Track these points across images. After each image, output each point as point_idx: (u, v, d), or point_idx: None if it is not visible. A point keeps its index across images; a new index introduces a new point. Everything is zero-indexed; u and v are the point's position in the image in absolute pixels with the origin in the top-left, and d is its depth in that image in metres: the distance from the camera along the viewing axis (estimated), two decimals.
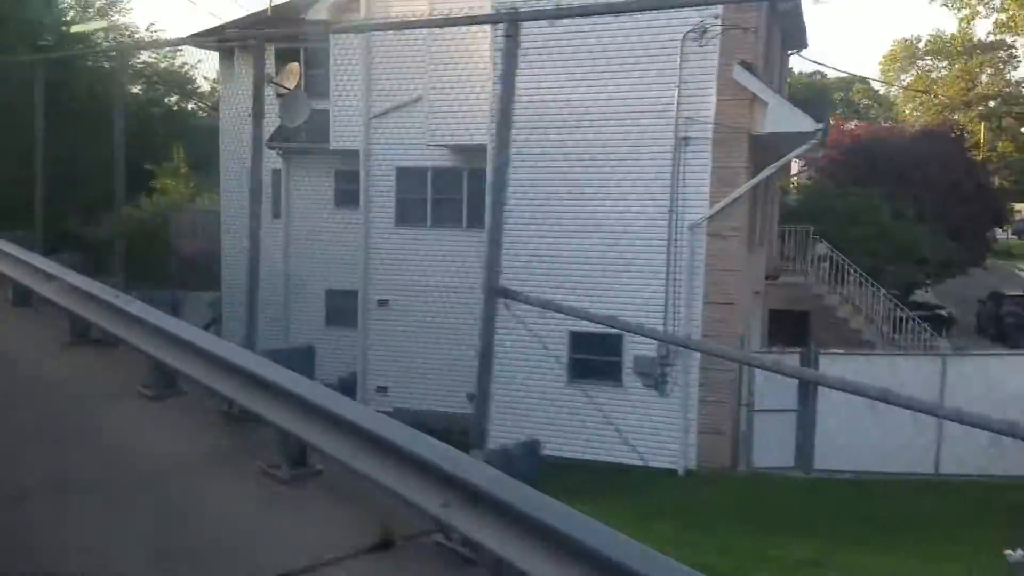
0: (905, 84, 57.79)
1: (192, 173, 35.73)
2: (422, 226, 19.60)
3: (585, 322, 15.73)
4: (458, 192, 19.22)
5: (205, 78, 53.24)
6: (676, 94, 14.88)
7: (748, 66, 14.60)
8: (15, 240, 9.80)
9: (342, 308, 22.75)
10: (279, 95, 23.20)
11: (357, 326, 22.35)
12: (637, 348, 15.48)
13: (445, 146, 18.56)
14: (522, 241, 16.24)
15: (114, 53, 20.72)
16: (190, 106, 42.73)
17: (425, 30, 18.02)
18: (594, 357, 15.94)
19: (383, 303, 20.14)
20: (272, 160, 23.45)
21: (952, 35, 54.70)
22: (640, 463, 15.70)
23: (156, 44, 22.19)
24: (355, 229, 22.25)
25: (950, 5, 51.10)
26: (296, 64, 22.78)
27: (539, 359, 16.27)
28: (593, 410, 15.99)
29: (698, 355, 15.12)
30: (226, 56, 25.22)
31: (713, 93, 14.69)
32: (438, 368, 19.57)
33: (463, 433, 18.39)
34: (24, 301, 9.80)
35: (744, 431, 15.33)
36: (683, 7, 13.74)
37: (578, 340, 15.97)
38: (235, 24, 24.73)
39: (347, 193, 22.69)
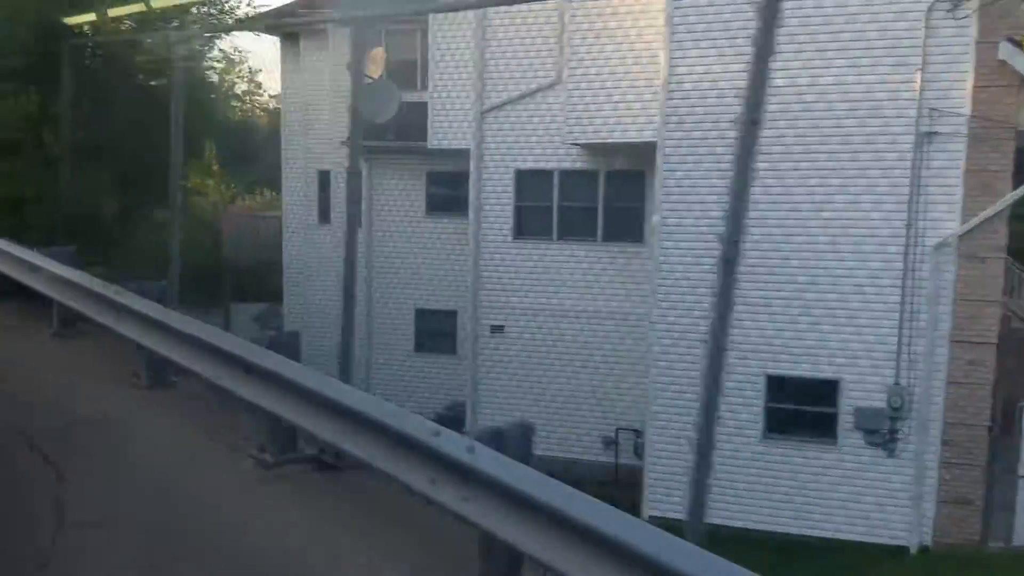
0: None
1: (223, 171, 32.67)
2: (546, 238, 16.51)
3: (787, 364, 12.75)
4: (592, 198, 16.14)
5: (216, 65, 49.89)
6: (919, 80, 11.83)
7: (1017, 43, 11.55)
8: (149, 294, 6.76)
9: (436, 331, 19.74)
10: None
11: (455, 352, 19.41)
12: (861, 398, 12.44)
13: (585, 144, 15.47)
14: (704, 263, 13.18)
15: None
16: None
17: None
18: (800, 407, 12.89)
19: (497, 329, 17.06)
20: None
21: None
22: (854, 538, 12.70)
23: (238, 26, 19.05)
24: (449, 239, 19.23)
25: None
26: (381, 49, 19.75)
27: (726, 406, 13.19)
28: (795, 472, 12.98)
29: (940, 408, 12.11)
30: (289, 43, 22.10)
31: (968, 78, 11.64)
32: (567, 407, 16.54)
33: (601, 484, 15.43)
34: (162, 380, 6.79)
35: (1002, 500, 12.32)
36: None
37: (779, 386, 12.93)
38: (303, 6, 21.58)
39: (440, 199, 19.68)
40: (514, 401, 16.99)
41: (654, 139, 13.69)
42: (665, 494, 13.67)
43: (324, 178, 21.38)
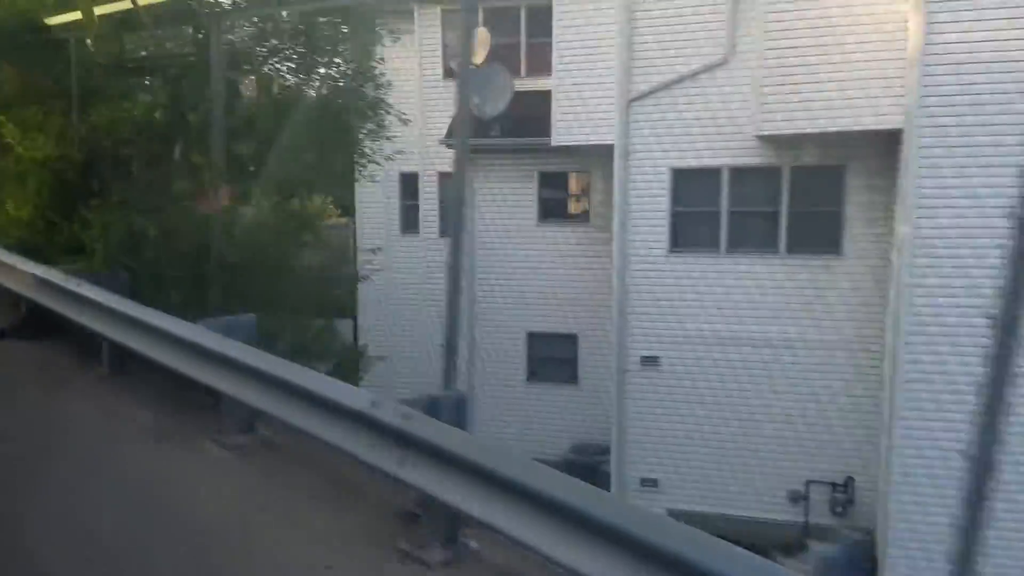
0: None
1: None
2: (712, 251, 13.65)
3: None
4: (772, 201, 13.28)
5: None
6: None
7: None
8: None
9: (553, 357, 16.91)
10: (456, 72, 17.29)
11: (575, 381, 16.64)
12: None
13: (768, 136, 12.62)
14: (983, 286, 10.34)
15: None
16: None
17: None
18: None
19: (650, 361, 14.21)
20: (442, 159, 17.59)
21: None
22: None
23: None
24: (568, 251, 16.41)
25: None
26: (483, 30, 16.90)
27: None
28: None
29: None
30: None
31: None
32: (740, 455, 13.70)
33: (787, 549, 12.74)
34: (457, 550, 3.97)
35: None
36: None
37: None
38: None
39: (555, 204, 16.88)
40: (672, 447, 14.17)
41: (896, 126, 10.87)
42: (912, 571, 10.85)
43: (408, 182, 18.57)
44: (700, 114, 13.47)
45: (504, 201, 16.92)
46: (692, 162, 13.61)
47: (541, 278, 16.64)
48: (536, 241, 16.69)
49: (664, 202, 13.78)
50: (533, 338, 16.95)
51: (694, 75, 13.45)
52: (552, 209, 16.69)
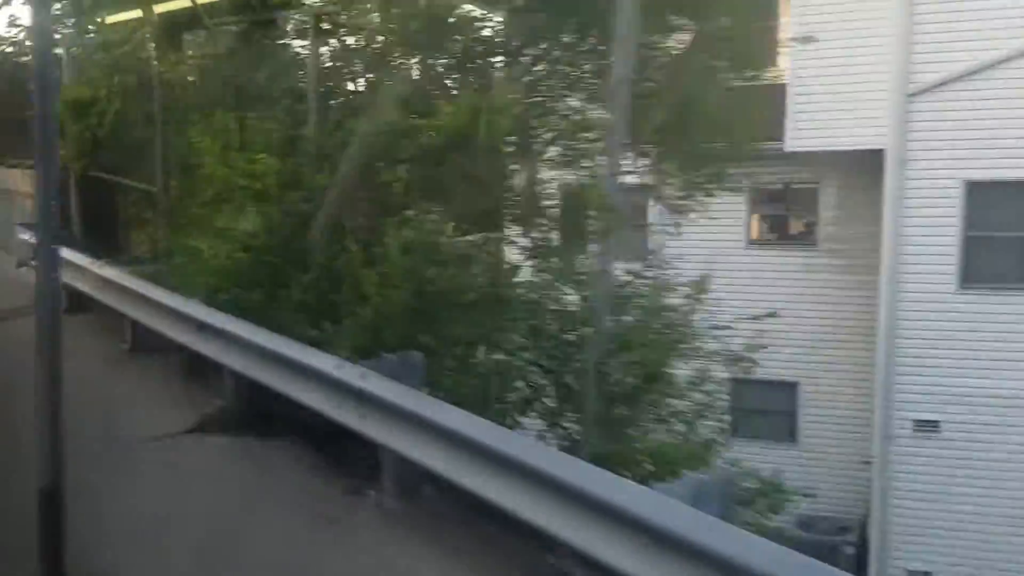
0: None
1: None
2: (1020, 287, 10.72)
3: None
4: None
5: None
6: None
7: None
8: None
9: (761, 409, 14.08)
10: None
11: (793, 439, 13.80)
12: None
13: None
14: None
15: None
16: None
17: None
18: None
19: (927, 426, 11.28)
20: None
21: None
22: None
23: None
24: (784, 280, 13.58)
25: None
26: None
27: None
28: None
29: None
30: None
31: None
32: None
33: None
34: None
35: None
36: None
37: None
38: None
39: (771, 222, 14.11)
40: (953, 534, 11.22)
41: None
42: None
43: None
44: (1008, 113, 10.55)
45: (704, 219, 14.12)
46: (995, 173, 10.69)
47: (749, 312, 13.79)
48: (744, 266, 13.86)
49: (954, 224, 10.87)
50: (737, 385, 14.09)
51: (998, 63, 10.55)
52: (767, 228, 13.92)
